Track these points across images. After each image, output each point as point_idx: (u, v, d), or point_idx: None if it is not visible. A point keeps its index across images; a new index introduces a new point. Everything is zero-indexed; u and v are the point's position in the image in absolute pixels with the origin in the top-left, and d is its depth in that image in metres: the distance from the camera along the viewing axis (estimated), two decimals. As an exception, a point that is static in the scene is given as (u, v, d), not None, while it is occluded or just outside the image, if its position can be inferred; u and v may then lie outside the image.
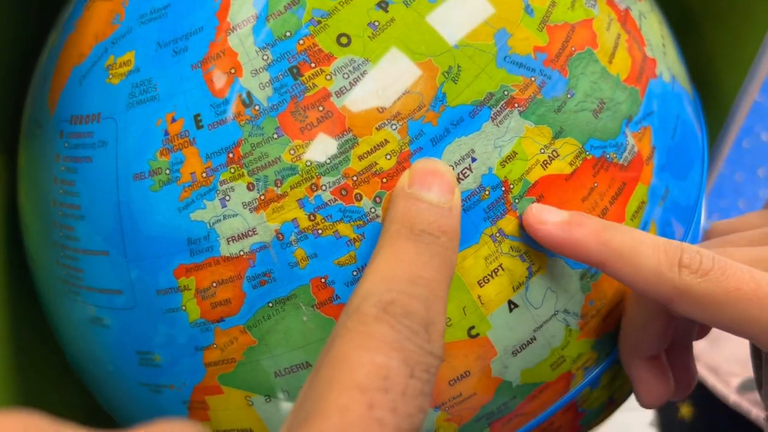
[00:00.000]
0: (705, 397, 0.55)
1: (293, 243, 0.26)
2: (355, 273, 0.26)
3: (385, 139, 0.26)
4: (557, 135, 0.28)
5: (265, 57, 0.27)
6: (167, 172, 0.27)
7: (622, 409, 0.38)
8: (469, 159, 0.27)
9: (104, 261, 0.29)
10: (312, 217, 0.26)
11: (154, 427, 0.18)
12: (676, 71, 0.33)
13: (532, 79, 0.28)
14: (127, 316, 0.29)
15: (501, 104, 0.27)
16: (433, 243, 0.24)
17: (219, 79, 0.27)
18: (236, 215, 0.27)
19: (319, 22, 0.27)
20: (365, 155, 0.26)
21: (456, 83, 0.27)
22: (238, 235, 0.27)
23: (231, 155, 0.26)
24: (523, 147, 0.27)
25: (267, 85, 0.26)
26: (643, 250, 0.26)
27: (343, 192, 0.26)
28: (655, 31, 0.33)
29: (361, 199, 0.26)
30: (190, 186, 0.27)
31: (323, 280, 0.26)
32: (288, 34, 0.27)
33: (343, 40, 0.27)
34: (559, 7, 0.29)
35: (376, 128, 0.26)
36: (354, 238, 0.26)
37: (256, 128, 0.26)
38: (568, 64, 0.28)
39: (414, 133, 0.26)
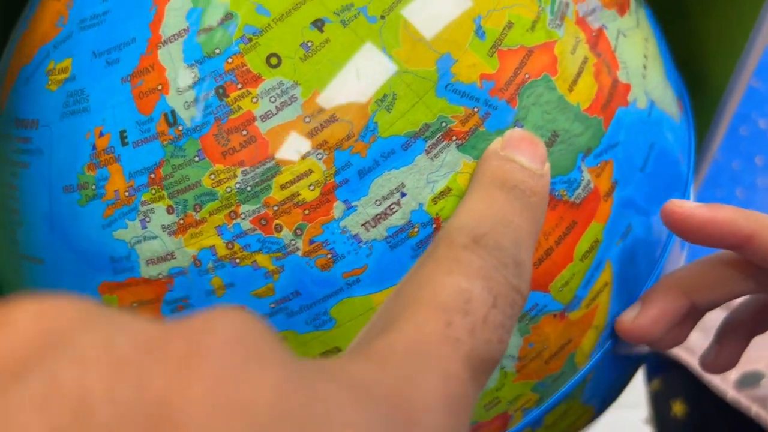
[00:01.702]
0: (698, 394, 0.54)
1: (210, 270, 0.26)
2: (272, 305, 0.26)
3: (310, 169, 0.25)
4: None
5: (193, 74, 0.26)
6: (93, 187, 0.27)
7: (616, 407, 0.37)
8: (399, 194, 0.25)
9: (39, 269, 0.29)
10: (230, 246, 0.25)
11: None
12: (658, 95, 0.31)
13: (475, 110, 0.26)
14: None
15: (437, 136, 0.25)
16: (525, 199, 0.24)
17: (146, 95, 0.26)
18: (156, 237, 0.26)
19: (250, 39, 0.25)
20: (287, 185, 0.25)
21: (390, 112, 0.25)
22: (157, 258, 0.26)
23: (153, 176, 0.26)
24: (459, 183, 0.26)
25: (192, 104, 0.25)
26: None
27: (263, 221, 0.25)
28: (636, 50, 0.30)
29: (281, 230, 0.25)
30: (113, 204, 0.26)
31: None
32: (217, 51, 0.26)
33: (273, 60, 0.25)
34: (516, 28, 0.27)
35: (301, 157, 0.25)
36: (272, 270, 0.25)
37: (178, 149, 0.25)
38: (518, 93, 0.26)
39: (340, 164, 0.25)
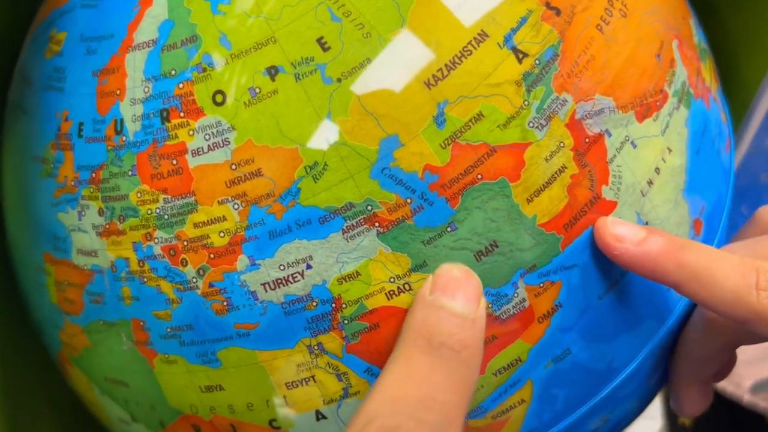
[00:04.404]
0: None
1: (122, 280, 0.26)
2: (168, 330, 0.26)
3: (224, 216, 0.25)
4: (417, 268, 0.24)
5: (146, 89, 0.25)
6: (51, 165, 0.28)
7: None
8: (304, 265, 0.24)
9: (17, 214, 0.31)
10: (141, 264, 0.26)
11: None
12: (657, 215, 0.27)
13: (407, 201, 0.24)
14: (21, 272, 0.32)
15: (359, 219, 0.24)
16: (453, 359, 0.23)
17: (106, 96, 0.26)
18: (86, 232, 0.27)
19: (205, 69, 0.25)
20: (201, 225, 0.25)
21: (316, 182, 0.24)
22: (85, 251, 0.27)
23: (93, 175, 0.26)
24: (369, 270, 0.24)
25: (138, 119, 0.25)
26: (719, 273, 0.25)
27: (172, 252, 0.25)
28: (644, 163, 0.27)
29: (186, 265, 0.25)
30: (62, 187, 0.27)
31: (142, 323, 0.27)
32: (173, 72, 0.25)
33: (219, 98, 0.25)
34: (484, 122, 0.24)
35: (219, 201, 0.25)
36: (172, 299, 0.26)
37: (117, 158, 0.26)
38: (463, 194, 0.24)
39: (254, 220, 0.25)
